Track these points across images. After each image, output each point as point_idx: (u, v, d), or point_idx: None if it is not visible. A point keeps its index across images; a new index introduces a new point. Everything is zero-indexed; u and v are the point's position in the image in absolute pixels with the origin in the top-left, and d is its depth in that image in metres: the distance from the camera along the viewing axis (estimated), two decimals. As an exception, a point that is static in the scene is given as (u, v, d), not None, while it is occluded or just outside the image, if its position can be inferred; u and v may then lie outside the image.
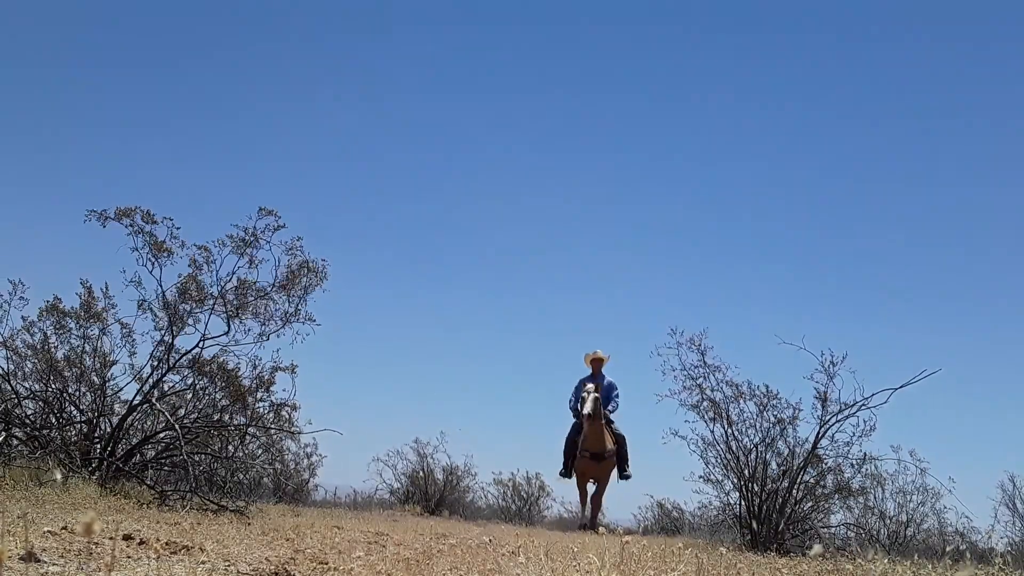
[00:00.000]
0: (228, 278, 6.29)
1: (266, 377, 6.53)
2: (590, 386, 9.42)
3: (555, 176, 42.12)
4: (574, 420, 9.78)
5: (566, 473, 10.04)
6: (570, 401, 9.83)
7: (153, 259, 6.09)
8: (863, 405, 6.38)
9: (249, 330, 6.41)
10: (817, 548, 2.05)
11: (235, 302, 6.30)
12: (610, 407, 9.97)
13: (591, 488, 9.86)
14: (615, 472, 9.93)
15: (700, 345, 6.88)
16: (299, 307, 6.42)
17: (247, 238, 6.19)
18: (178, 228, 6.13)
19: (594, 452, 9.51)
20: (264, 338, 6.44)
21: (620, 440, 9.84)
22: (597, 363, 10.15)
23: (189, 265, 6.26)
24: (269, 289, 6.36)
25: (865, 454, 6.68)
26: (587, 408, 9.16)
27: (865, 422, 6.47)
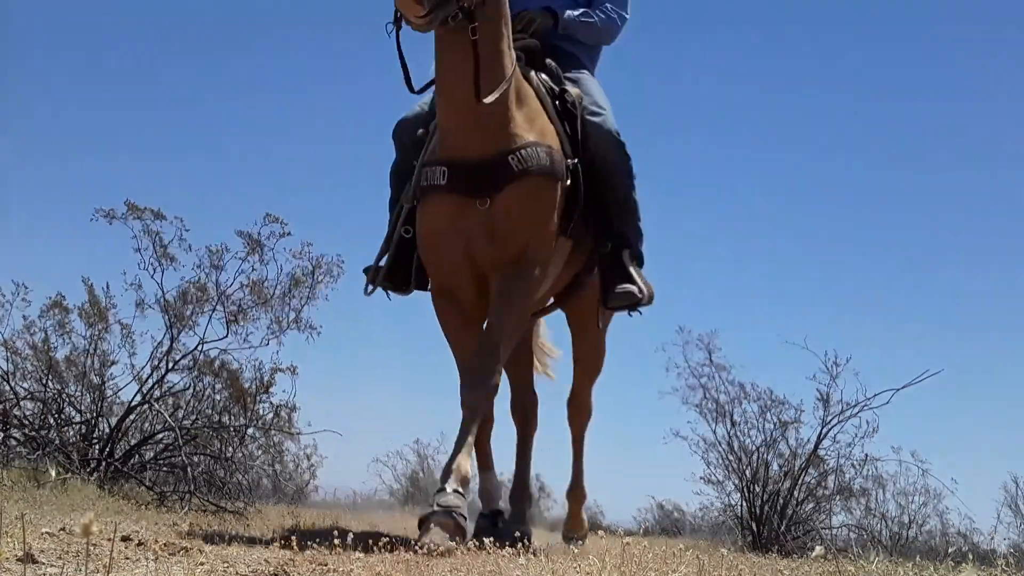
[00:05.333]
0: (229, 284, 6.28)
1: (266, 379, 6.52)
2: None
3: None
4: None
5: (390, 280, 3.13)
6: None
7: (157, 262, 6.07)
8: (865, 405, 6.37)
9: (252, 333, 6.40)
10: (819, 550, 2.03)
11: (236, 307, 6.28)
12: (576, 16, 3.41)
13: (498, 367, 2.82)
14: (599, 296, 3.24)
15: (708, 344, 6.78)
16: (300, 315, 6.39)
17: (251, 245, 6.18)
18: (187, 230, 6.12)
19: (468, 161, 2.61)
20: (265, 343, 6.42)
21: (612, 147, 3.07)
22: None
23: (193, 269, 6.25)
24: (271, 295, 6.35)
25: (867, 455, 6.67)
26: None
27: (867, 423, 6.46)
